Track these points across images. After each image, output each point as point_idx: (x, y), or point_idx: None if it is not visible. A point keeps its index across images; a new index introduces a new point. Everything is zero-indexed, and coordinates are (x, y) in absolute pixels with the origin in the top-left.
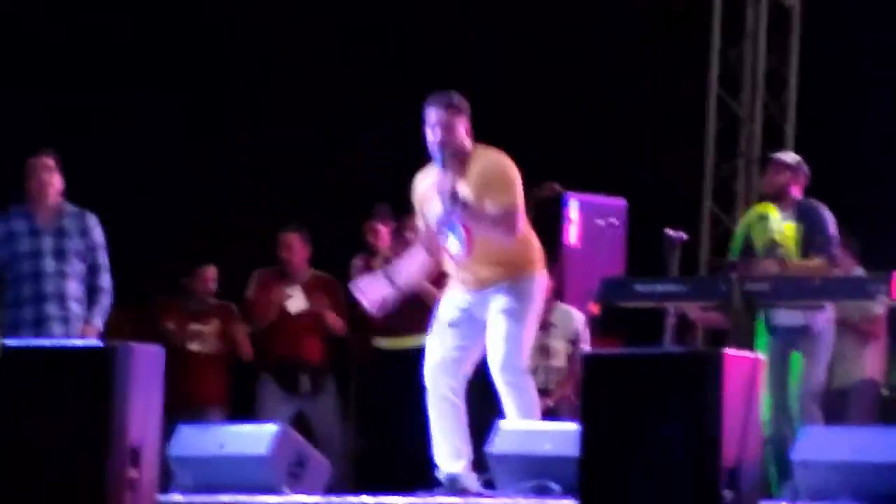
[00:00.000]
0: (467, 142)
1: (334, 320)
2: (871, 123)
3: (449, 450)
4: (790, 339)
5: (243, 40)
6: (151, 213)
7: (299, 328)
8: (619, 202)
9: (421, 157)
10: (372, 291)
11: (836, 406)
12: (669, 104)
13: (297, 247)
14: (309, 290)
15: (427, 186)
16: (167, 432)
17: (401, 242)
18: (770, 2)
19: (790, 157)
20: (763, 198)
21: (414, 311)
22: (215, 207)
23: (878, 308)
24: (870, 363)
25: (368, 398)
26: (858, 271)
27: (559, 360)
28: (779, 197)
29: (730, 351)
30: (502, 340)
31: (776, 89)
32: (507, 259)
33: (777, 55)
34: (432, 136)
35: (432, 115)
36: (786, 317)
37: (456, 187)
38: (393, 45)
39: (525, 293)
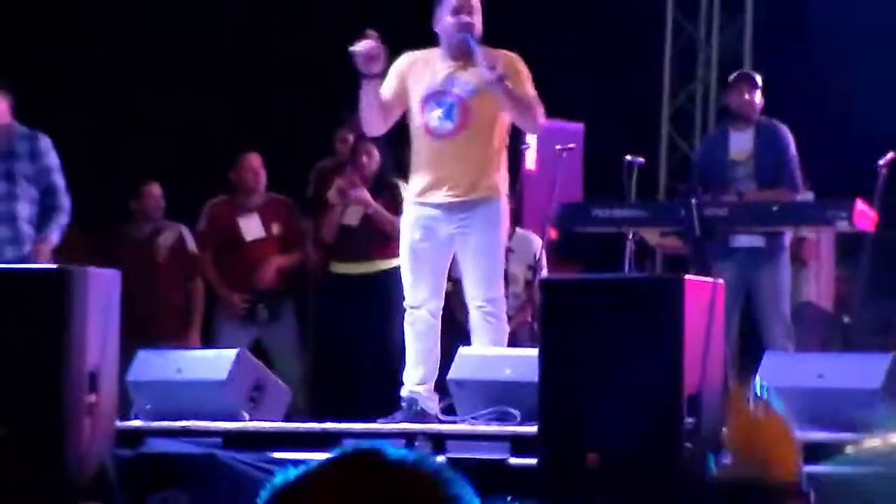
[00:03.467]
0: None
1: (287, 260)
2: (829, 45)
3: (417, 369)
4: (752, 261)
5: None
6: (101, 133)
7: (256, 255)
8: (577, 126)
9: None
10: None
11: None
12: (626, 27)
13: (258, 168)
14: (265, 215)
15: (420, 61)
16: (126, 357)
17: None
18: None
19: (758, 76)
20: (726, 116)
21: (369, 236)
22: (168, 127)
23: (809, 233)
24: (806, 287)
25: (325, 323)
26: (809, 196)
27: (518, 286)
28: (746, 116)
29: (690, 276)
30: (484, 272)
31: (732, 13)
32: (490, 167)
33: None
34: (456, 18)
35: None
36: (746, 239)
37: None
38: None
39: (497, 216)
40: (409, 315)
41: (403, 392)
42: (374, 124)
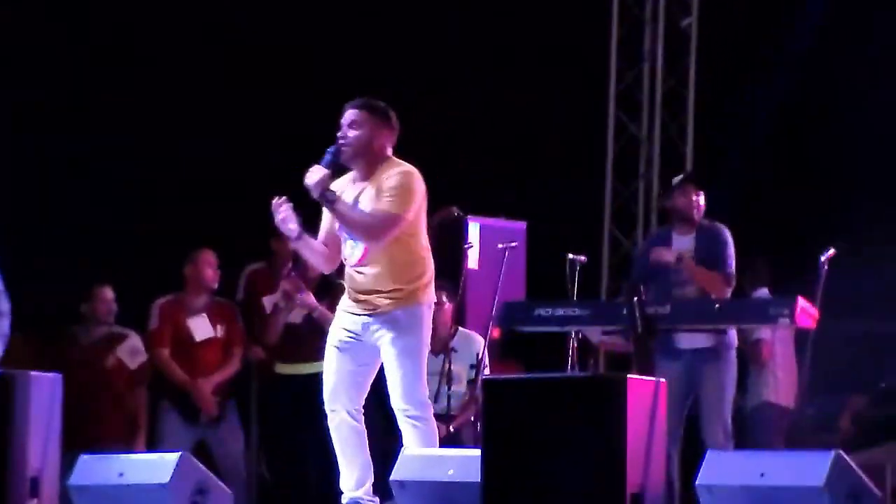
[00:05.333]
0: (378, 149)
1: (222, 375)
2: (767, 142)
3: (350, 474)
4: (698, 361)
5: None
6: (47, 237)
7: (202, 355)
8: (519, 225)
9: None
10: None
11: (744, 429)
12: (569, 126)
13: (215, 263)
14: (211, 316)
15: (338, 189)
16: (68, 461)
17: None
18: (667, 23)
19: (698, 179)
20: (668, 217)
21: (313, 337)
22: (110, 229)
23: (764, 333)
24: (765, 388)
25: (269, 423)
26: (763, 293)
27: (461, 385)
28: (691, 218)
29: (632, 375)
30: (401, 378)
31: (674, 111)
32: (401, 280)
33: (674, 76)
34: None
35: (344, 112)
36: (691, 339)
37: (324, 182)
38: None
39: (415, 322)
40: (332, 419)
41: (344, 500)
42: (324, 266)
